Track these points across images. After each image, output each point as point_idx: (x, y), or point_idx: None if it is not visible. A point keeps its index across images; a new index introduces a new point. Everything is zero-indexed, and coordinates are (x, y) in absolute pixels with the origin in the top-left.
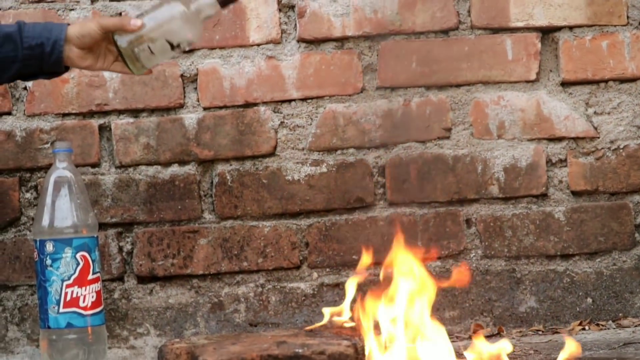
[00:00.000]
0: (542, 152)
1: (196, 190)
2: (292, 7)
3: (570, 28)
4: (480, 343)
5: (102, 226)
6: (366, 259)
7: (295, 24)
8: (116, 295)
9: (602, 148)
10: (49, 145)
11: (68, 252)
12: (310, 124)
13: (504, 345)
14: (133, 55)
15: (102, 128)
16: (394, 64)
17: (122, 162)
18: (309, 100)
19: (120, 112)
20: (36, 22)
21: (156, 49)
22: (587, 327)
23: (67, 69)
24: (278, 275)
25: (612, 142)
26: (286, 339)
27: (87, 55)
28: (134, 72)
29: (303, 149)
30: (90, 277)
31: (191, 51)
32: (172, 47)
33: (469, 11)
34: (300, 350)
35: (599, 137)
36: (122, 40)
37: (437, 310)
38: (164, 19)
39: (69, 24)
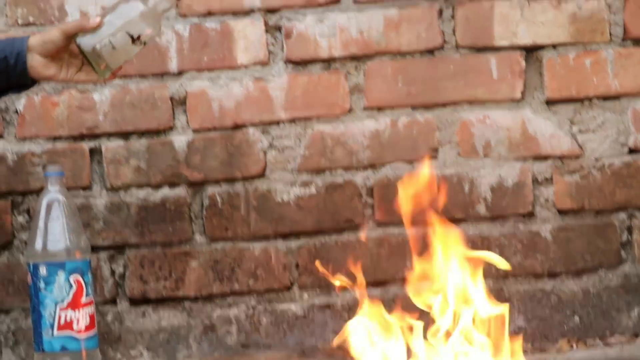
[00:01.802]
0: (528, 171)
1: (187, 212)
2: (279, 29)
3: (554, 46)
4: None
5: (95, 249)
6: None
7: (283, 45)
8: (109, 318)
9: (588, 166)
10: (40, 168)
11: (61, 276)
12: (299, 145)
13: None
14: (95, 53)
15: (92, 151)
16: (380, 84)
17: (113, 185)
18: (297, 122)
19: (110, 135)
20: None
21: (117, 43)
22: (575, 346)
23: (34, 82)
24: (269, 296)
25: (597, 160)
26: None
27: (51, 64)
28: (99, 75)
29: (292, 170)
30: (83, 300)
31: (180, 73)
32: (133, 39)
33: (453, 31)
34: None
35: (584, 155)
36: (84, 40)
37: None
38: (123, 15)
39: (29, 35)
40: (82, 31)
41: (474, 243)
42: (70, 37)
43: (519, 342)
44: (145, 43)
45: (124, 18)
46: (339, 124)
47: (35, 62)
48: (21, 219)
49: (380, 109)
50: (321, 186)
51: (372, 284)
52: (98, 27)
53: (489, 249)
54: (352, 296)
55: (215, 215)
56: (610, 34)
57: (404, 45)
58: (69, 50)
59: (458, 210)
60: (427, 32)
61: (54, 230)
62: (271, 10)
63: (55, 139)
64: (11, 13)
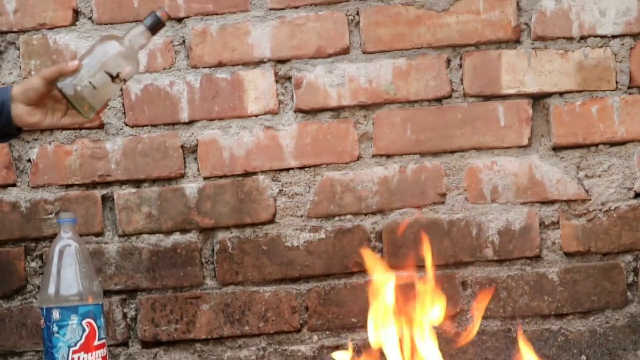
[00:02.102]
0: (535, 215)
1: (198, 257)
2: (289, 79)
3: (561, 94)
4: None
5: (107, 293)
6: None
7: (292, 95)
8: None
9: (594, 210)
10: (53, 215)
11: (74, 319)
12: (309, 192)
13: None
14: (77, 95)
15: (105, 198)
16: (389, 132)
17: (125, 231)
18: (306, 169)
19: (122, 183)
20: None
21: (97, 83)
22: None
23: (19, 130)
24: (279, 338)
25: (603, 204)
26: None
27: (35, 111)
28: (84, 116)
29: (302, 216)
30: (96, 343)
31: (191, 122)
32: (113, 78)
33: (461, 79)
34: None
35: (590, 200)
36: (65, 84)
37: None
38: (101, 55)
39: (12, 85)
40: (61, 75)
41: (482, 285)
42: (51, 83)
43: None
44: (125, 80)
45: (102, 58)
46: (348, 170)
47: (20, 111)
48: (34, 264)
49: (389, 156)
50: (330, 231)
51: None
52: (77, 70)
53: (496, 291)
54: (361, 337)
55: (226, 260)
56: (617, 82)
57: (412, 94)
58: (53, 96)
59: (466, 254)
60: (436, 81)
61: (66, 275)
62: (281, 61)
63: (68, 186)
64: (24, 65)
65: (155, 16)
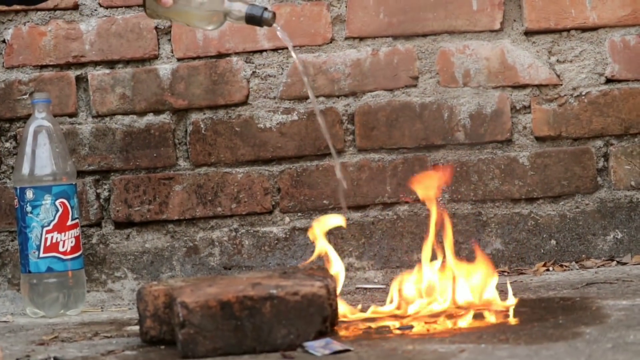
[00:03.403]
0: (506, 99)
1: (171, 138)
2: None
3: None
4: None
5: (80, 174)
6: None
7: None
8: (94, 240)
9: (565, 95)
10: (27, 96)
11: (48, 199)
12: (282, 74)
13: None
14: (156, 16)
15: (79, 79)
16: (362, 14)
17: (99, 112)
18: (279, 51)
19: (96, 64)
20: None
21: (175, 23)
22: (551, 268)
23: None
24: (251, 219)
25: (574, 89)
26: (260, 281)
27: None
28: (144, 9)
29: (274, 98)
30: (69, 223)
31: None
32: (189, 26)
33: None
34: (274, 291)
35: (561, 85)
36: (151, 2)
37: (406, 252)
38: (192, 7)
39: None
40: None
41: (453, 168)
42: None
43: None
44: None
45: (191, 10)
46: (320, 53)
47: None
48: (8, 145)
49: (361, 39)
50: (303, 113)
51: (352, 208)
52: (166, 7)
53: (467, 174)
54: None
55: (199, 141)
56: None
57: None
58: None
59: (437, 137)
60: None
61: (40, 155)
62: None
63: (42, 67)
64: None
65: (260, 14)
